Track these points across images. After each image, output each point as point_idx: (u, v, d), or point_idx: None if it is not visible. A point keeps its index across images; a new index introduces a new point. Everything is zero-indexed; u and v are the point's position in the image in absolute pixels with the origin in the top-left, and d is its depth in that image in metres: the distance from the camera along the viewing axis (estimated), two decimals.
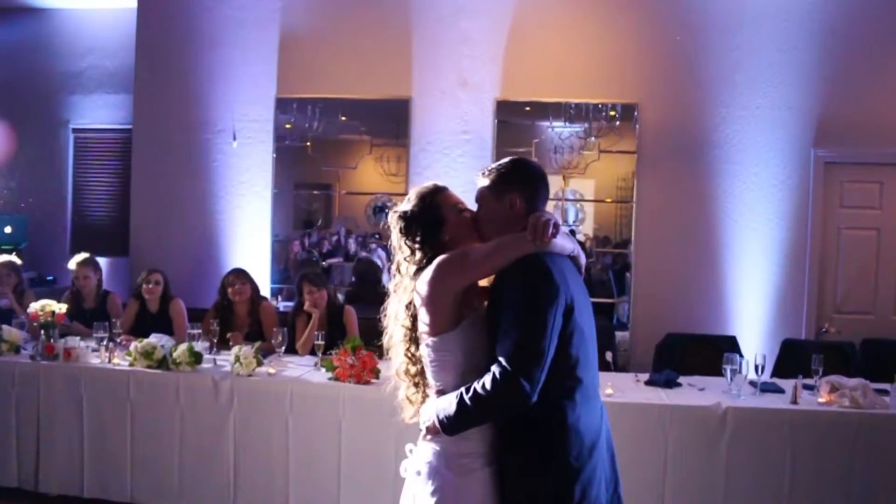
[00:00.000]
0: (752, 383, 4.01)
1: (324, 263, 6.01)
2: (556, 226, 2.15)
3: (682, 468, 3.70)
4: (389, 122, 5.90)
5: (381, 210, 5.95)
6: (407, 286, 2.25)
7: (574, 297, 2.12)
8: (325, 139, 5.99)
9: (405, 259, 2.27)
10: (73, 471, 4.10)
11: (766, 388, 3.99)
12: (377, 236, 5.96)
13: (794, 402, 3.77)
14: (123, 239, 6.37)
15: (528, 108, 5.80)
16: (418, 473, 2.20)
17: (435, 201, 2.29)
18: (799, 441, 3.64)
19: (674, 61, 5.62)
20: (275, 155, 5.95)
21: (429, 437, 2.19)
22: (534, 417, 2.07)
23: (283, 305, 5.81)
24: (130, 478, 4.04)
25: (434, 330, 2.17)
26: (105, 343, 4.25)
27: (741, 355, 4.16)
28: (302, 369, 4.22)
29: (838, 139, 5.49)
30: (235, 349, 4.05)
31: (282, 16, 5.89)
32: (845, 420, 3.65)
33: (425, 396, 2.28)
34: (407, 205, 2.29)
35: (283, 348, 4.32)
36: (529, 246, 2.12)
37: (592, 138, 5.71)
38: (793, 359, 4.78)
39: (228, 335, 4.64)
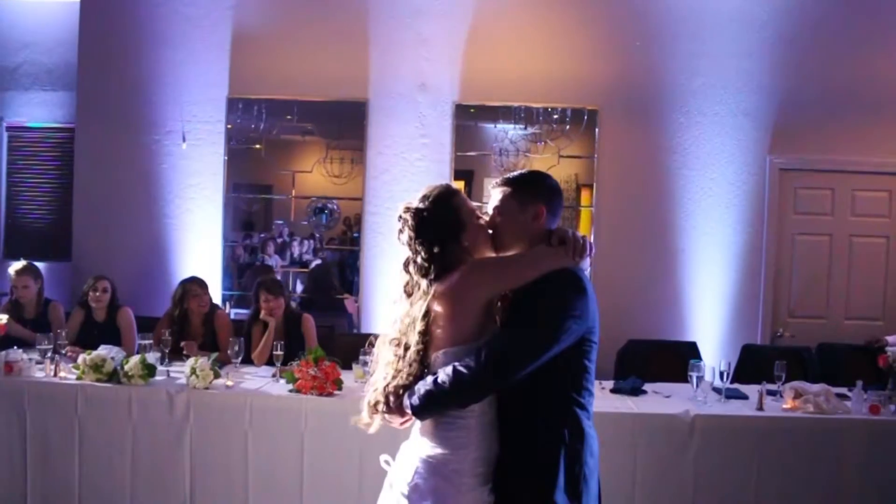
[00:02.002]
0: (717, 390, 4.03)
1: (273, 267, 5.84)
2: (591, 246, 2.20)
3: (652, 476, 3.68)
4: (344, 125, 5.75)
5: (321, 211, 5.81)
6: (425, 290, 2.12)
7: (595, 314, 2.16)
8: (278, 141, 5.82)
9: (423, 259, 2.14)
10: (15, 492, 3.85)
11: (730, 395, 4.01)
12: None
13: (760, 408, 3.80)
14: (63, 242, 6.08)
15: (479, 112, 5.72)
16: (415, 489, 2.10)
17: (453, 204, 2.19)
18: (765, 447, 3.67)
19: (633, 67, 5.63)
20: (226, 157, 5.75)
21: (426, 447, 2.11)
22: (550, 425, 2.10)
23: (233, 313, 5.63)
24: (78, 499, 3.82)
25: (455, 339, 2.09)
26: (49, 355, 4.02)
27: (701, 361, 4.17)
28: (261, 381, 4.07)
29: (792, 146, 5.58)
30: (191, 361, 3.87)
31: (234, 14, 5.70)
32: (809, 425, 3.70)
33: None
34: (424, 203, 2.18)
35: (240, 359, 4.16)
36: (566, 260, 2.13)
37: (550, 142, 5.67)
38: (752, 364, 4.85)
39: (183, 344, 4.45)
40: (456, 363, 2.04)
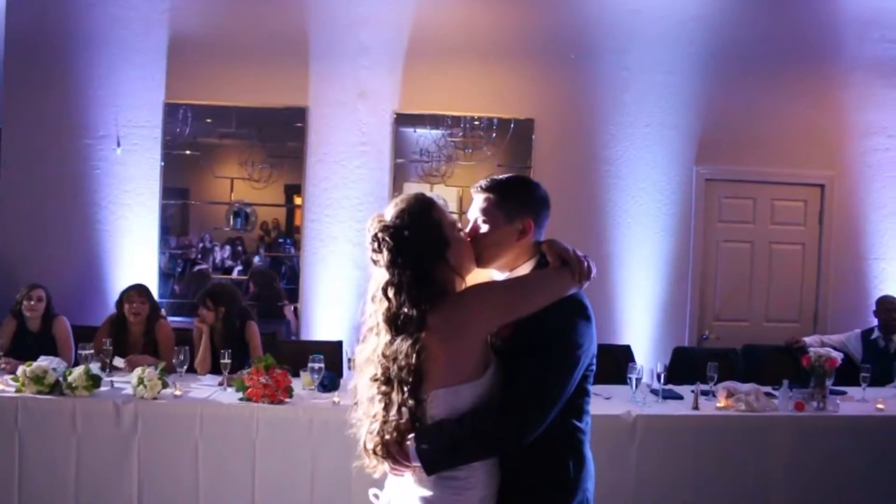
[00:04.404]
0: (654, 391, 4.21)
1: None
2: (593, 267, 2.03)
3: (595, 475, 3.80)
4: (264, 130, 5.73)
5: (236, 216, 5.78)
6: (418, 322, 1.86)
7: (595, 337, 2.04)
8: (215, 147, 5.75)
9: (410, 285, 1.88)
10: None
11: (667, 396, 4.20)
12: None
13: (696, 407, 4.00)
14: None
15: (415, 119, 5.78)
16: None
17: (433, 218, 1.94)
18: (701, 444, 3.89)
19: (568, 80, 5.82)
20: (163, 163, 5.65)
21: (427, 487, 1.92)
22: (554, 457, 1.98)
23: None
24: None
25: (456, 377, 1.86)
26: None
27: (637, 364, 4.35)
28: (209, 389, 4.03)
29: (717, 157, 5.88)
30: (138, 370, 3.80)
31: (171, 17, 5.59)
32: (741, 423, 3.94)
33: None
34: (402, 219, 1.92)
35: (185, 367, 4.11)
36: (573, 286, 1.97)
37: (486, 150, 5.78)
38: (683, 365, 5.06)
39: (123, 363, 4.33)
40: (471, 417, 1.86)
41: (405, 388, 1.87)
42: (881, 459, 3.95)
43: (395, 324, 1.89)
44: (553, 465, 1.98)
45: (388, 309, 1.90)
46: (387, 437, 1.91)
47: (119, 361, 4.30)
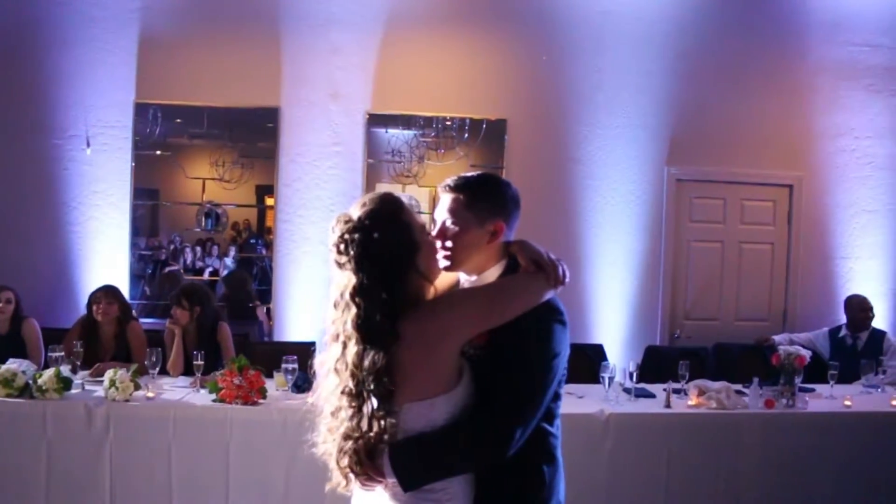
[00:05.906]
0: (627, 390, 4.26)
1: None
2: (566, 271, 1.95)
3: (569, 472, 3.81)
4: (235, 131, 5.70)
5: (207, 216, 5.75)
6: (390, 333, 1.76)
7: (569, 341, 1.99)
8: (186, 147, 5.71)
9: (379, 293, 1.77)
10: None
11: (639, 394, 4.25)
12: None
13: (668, 405, 4.05)
14: None
15: (387, 120, 5.78)
16: None
17: (403, 220, 1.82)
18: (673, 441, 3.94)
19: (540, 80, 5.85)
20: (133, 163, 5.59)
21: (392, 501, 1.83)
22: (530, 459, 1.93)
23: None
24: None
25: (433, 389, 1.78)
26: None
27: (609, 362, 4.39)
28: (182, 391, 4.00)
29: (688, 158, 5.95)
30: (110, 372, 3.76)
31: (141, 16, 5.53)
32: (712, 420, 4.00)
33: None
34: (370, 221, 1.79)
35: (157, 369, 4.07)
36: (548, 291, 1.90)
37: (459, 151, 5.80)
38: (655, 364, 5.12)
39: (91, 371, 4.27)
40: (450, 432, 1.79)
41: (377, 401, 1.76)
42: (848, 455, 4.03)
43: (366, 332, 1.76)
44: (528, 471, 1.93)
45: (357, 316, 1.77)
46: (360, 452, 1.80)
47: (82, 377, 4.18)
